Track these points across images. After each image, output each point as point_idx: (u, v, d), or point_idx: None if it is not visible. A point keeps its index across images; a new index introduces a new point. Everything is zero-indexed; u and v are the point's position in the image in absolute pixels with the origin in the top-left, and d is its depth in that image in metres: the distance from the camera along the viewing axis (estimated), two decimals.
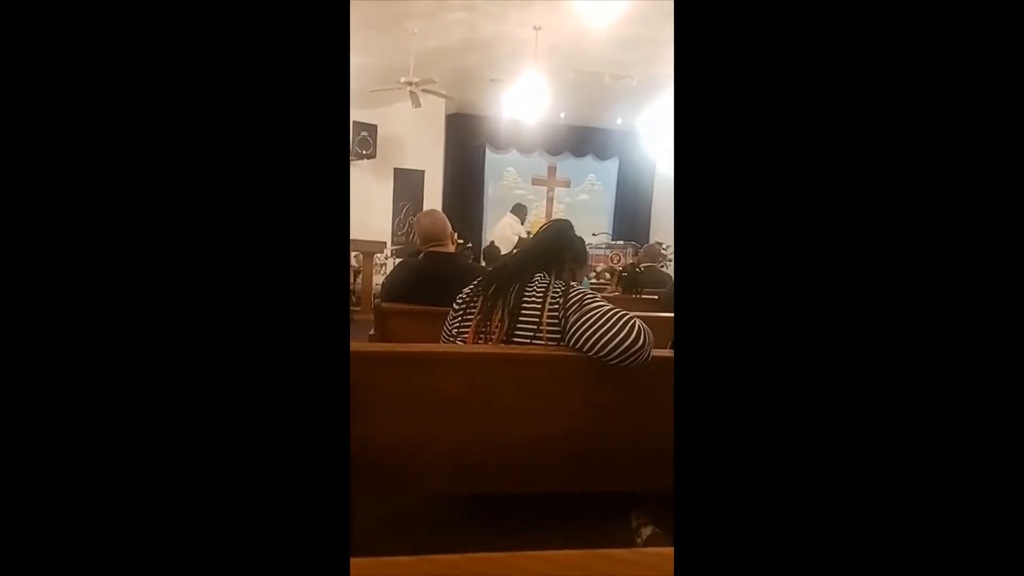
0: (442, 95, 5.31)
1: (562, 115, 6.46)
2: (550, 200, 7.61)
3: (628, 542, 1.10)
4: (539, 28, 4.34)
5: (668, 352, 1.14)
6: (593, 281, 4.09)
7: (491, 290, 1.14)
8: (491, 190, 7.47)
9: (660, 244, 4.59)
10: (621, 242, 6.61)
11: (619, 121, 6.87)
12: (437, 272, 1.86)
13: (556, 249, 1.23)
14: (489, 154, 7.30)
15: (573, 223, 1.32)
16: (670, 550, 0.39)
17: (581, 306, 1.04)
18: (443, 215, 2.04)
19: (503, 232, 5.29)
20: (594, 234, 6.39)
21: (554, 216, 7.13)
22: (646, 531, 1.12)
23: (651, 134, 5.94)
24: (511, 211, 5.66)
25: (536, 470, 1.05)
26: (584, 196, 7.75)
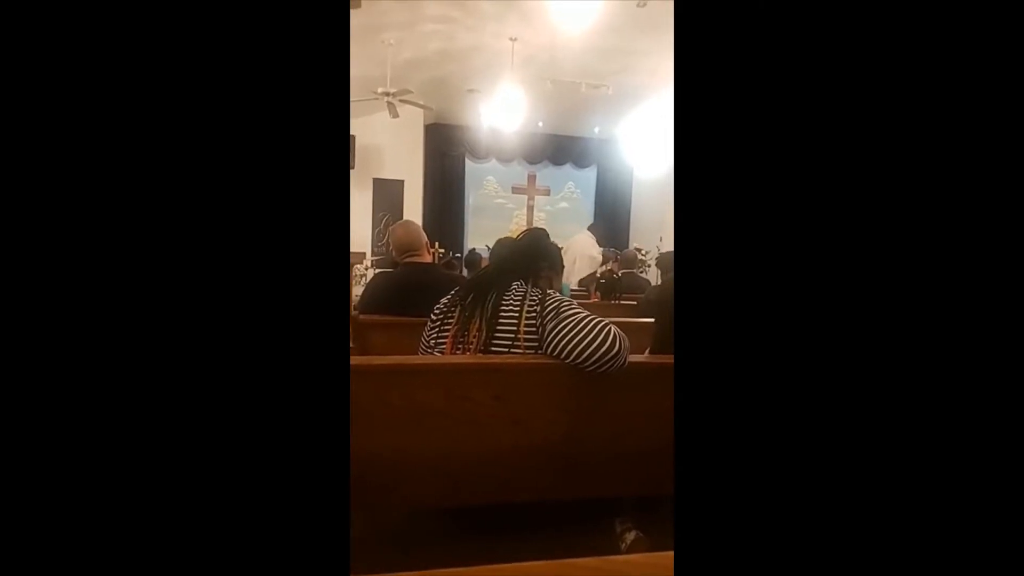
0: (420, 105, 5.30)
1: (540, 124, 6.50)
2: (530, 208, 7.64)
3: (612, 548, 1.10)
4: (515, 39, 4.37)
5: (644, 358, 1.15)
6: (574, 288, 4.11)
7: (468, 299, 1.14)
8: (472, 199, 7.47)
9: (639, 250, 4.63)
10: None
11: (597, 130, 6.94)
12: (414, 282, 1.85)
13: (532, 257, 1.23)
14: (469, 163, 7.31)
15: (554, 231, 1.33)
16: (659, 555, 0.39)
17: (558, 314, 1.04)
18: (417, 225, 2.04)
19: (585, 250, 4.80)
20: None
21: (535, 224, 7.17)
22: (630, 536, 1.12)
23: (629, 142, 6.01)
24: (588, 228, 5.37)
25: (517, 479, 1.04)
26: (564, 204, 7.79)
